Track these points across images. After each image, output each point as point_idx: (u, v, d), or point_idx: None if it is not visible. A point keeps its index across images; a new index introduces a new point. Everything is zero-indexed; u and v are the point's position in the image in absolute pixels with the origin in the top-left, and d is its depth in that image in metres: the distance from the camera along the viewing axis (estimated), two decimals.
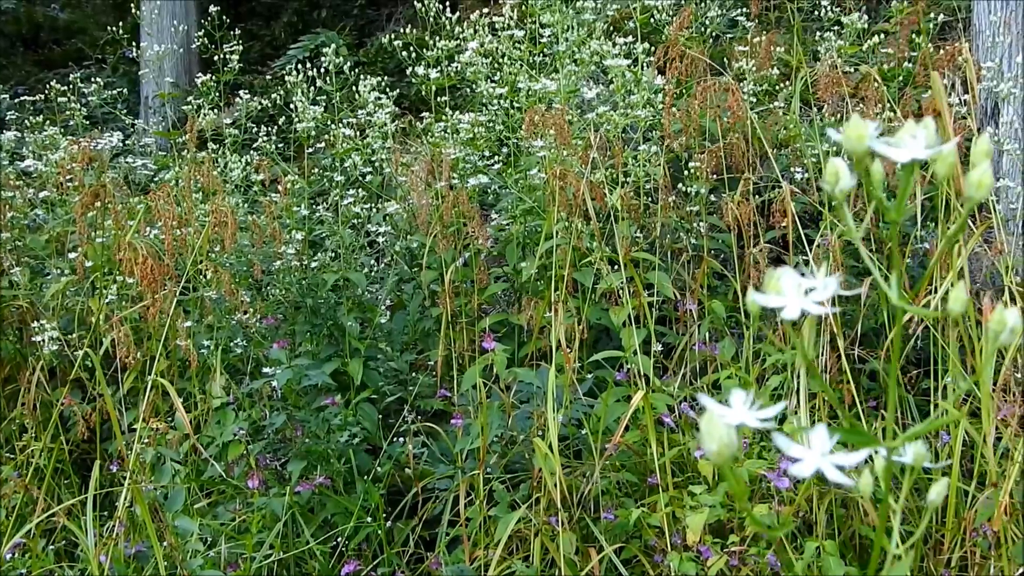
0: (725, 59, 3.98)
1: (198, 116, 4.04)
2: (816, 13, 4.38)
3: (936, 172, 0.80)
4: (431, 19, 3.95)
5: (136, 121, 4.95)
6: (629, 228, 3.35)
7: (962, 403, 2.88)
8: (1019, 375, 2.76)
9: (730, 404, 0.79)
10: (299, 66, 3.93)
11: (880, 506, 0.87)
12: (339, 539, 2.89)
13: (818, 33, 4.04)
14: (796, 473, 0.77)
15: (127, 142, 4.76)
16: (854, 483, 0.87)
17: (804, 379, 2.81)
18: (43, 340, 3.41)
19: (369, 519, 2.88)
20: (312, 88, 3.88)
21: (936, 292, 2.94)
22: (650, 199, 3.61)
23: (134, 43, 5.20)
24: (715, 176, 3.55)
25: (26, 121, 4.47)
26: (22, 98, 4.88)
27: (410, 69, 3.88)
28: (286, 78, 3.94)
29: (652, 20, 4.05)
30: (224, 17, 4.33)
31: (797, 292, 0.81)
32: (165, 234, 3.20)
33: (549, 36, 3.72)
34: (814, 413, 2.88)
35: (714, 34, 4.33)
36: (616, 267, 3.20)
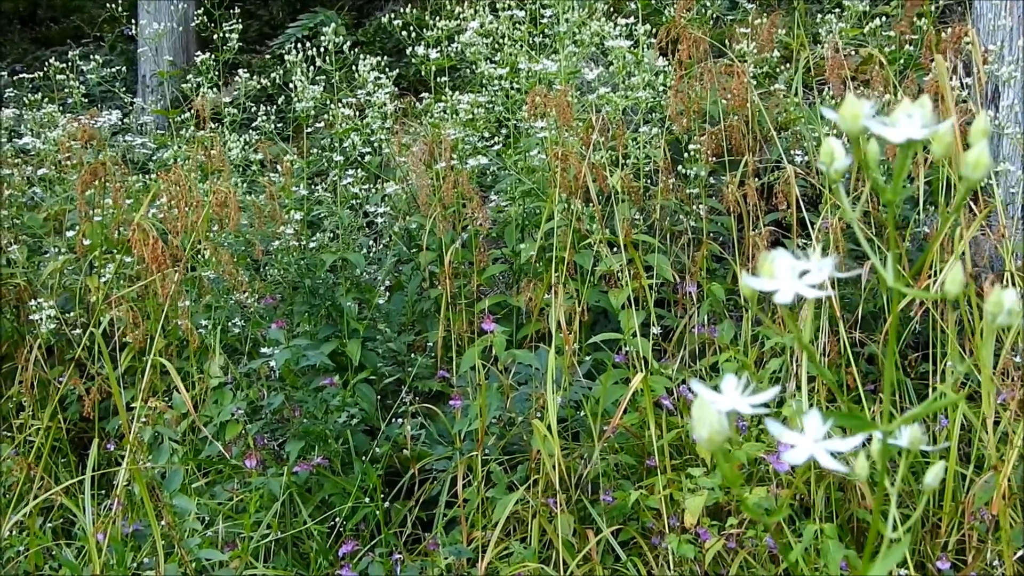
0: (726, 41, 3.97)
1: (197, 95, 4.02)
2: None
3: (933, 152, 0.79)
4: None
5: (134, 100, 4.93)
6: (629, 210, 3.34)
7: (961, 387, 2.88)
8: (1018, 359, 2.76)
9: (722, 390, 0.79)
10: (298, 45, 3.91)
11: (876, 489, 0.86)
12: (337, 519, 2.89)
13: (819, 15, 4.02)
14: (789, 460, 0.76)
15: (125, 121, 4.73)
16: (848, 469, 0.88)
17: (804, 362, 2.81)
18: (40, 319, 3.40)
19: (367, 500, 2.88)
20: (311, 68, 3.85)
21: (936, 276, 2.93)
22: (650, 181, 3.60)
23: (132, 21, 5.18)
24: (715, 159, 3.54)
25: (24, 99, 4.45)
26: (20, 75, 4.85)
27: (409, 49, 3.86)
28: (285, 58, 3.92)
29: (653, 1, 4.03)
30: None
31: (791, 275, 0.80)
32: (178, 214, 3.19)
33: (550, 17, 3.70)
34: (813, 396, 2.88)
35: (715, 16, 4.31)
36: (616, 249, 3.19)
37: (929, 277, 3.00)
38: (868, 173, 0.81)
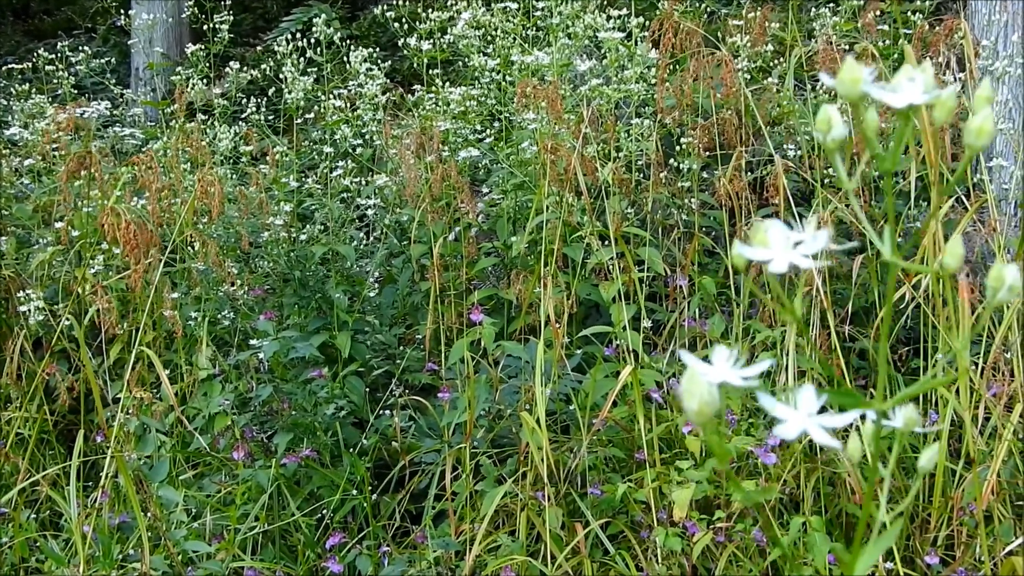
0: (719, 34, 3.95)
1: (188, 87, 4.00)
2: None
3: (935, 118, 0.78)
4: None
5: (125, 91, 4.91)
6: (620, 203, 3.32)
7: (951, 384, 2.87)
8: (1008, 355, 2.75)
9: (712, 362, 0.77)
10: (290, 37, 3.89)
11: (867, 473, 0.85)
12: (325, 512, 2.87)
13: (813, 9, 4.01)
14: (781, 434, 0.74)
15: (116, 112, 4.71)
16: (840, 446, 0.86)
17: (793, 356, 2.80)
18: (28, 310, 3.38)
19: (355, 492, 2.87)
20: (302, 59, 3.84)
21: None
22: (642, 175, 3.58)
23: (124, 13, 5.15)
24: (707, 152, 3.53)
25: (12, 89, 4.43)
26: (10, 66, 4.83)
27: (402, 41, 3.84)
28: (276, 49, 3.90)
29: None
30: None
31: (785, 244, 0.77)
32: (151, 201, 3.17)
33: (543, 9, 3.69)
34: None
35: (709, 9, 4.30)
36: (607, 242, 3.18)
37: (919, 273, 2.99)
38: (868, 141, 0.79)
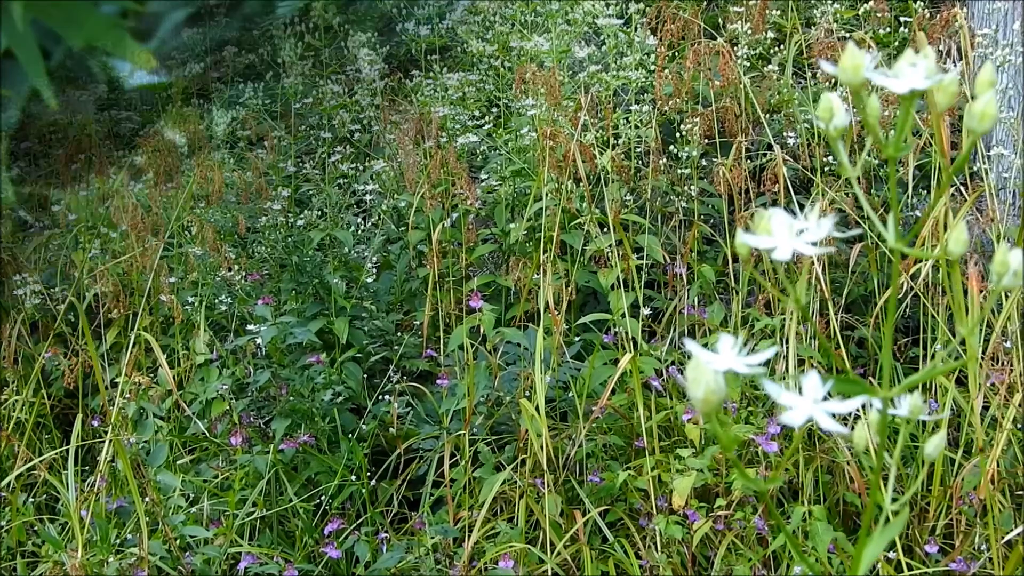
0: (719, 21, 3.94)
1: (185, 71, 3.98)
2: None
3: (937, 103, 0.77)
4: None
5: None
6: (619, 191, 3.31)
7: (950, 373, 2.87)
8: (1008, 344, 2.75)
9: (718, 350, 0.77)
10: (287, 22, 3.87)
11: (867, 469, 0.84)
12: (322, 498, 2.87)
13: None
14: (787, 421, 0.74)
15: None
16: (847, 431, 0.85)
17: (793, 344, 2.80)
18: (25, 293, 3.37)
19: (353, 478, 2.86)
20: (300, 43, 3.82)
21: (927, 261, 2.92)
22: (641, 162, 3.57)
23: None
24: (707, 140, 3.52)
25: None
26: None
27: (400, 25, 3.83)
28: (274, 33, 3.89)
29: None
30: None
31: (789, 232, 0.77)
32: (157, 181, 3.15)
33: None
34: None
35: None
36: (605, 229, 3.17)
37: (919, 261, 2.99)
38: (870, 127, 0.78)
